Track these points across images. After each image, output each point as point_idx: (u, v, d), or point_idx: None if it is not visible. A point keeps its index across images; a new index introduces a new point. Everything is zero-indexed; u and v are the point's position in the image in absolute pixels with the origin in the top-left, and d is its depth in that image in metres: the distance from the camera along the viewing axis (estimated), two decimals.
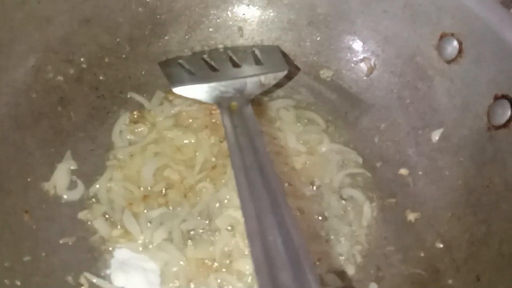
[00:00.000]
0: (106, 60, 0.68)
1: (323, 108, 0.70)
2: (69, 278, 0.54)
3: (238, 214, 0.59)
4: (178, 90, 0.62)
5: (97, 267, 0.56)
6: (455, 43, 0.58)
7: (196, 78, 0.63)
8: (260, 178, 0.45)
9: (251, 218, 0.41)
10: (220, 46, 0.73)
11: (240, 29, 0.73)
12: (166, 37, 0.71)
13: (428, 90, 0.62)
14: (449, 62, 0.60)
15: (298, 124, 0.68)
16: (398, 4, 0.63)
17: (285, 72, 0.65)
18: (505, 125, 0.52)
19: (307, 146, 0.66)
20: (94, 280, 0.55)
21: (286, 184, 0.62)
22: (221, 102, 0.59)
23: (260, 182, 0.45)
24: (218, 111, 0.67)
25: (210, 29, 0.73)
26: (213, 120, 0.67)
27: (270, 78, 0.63)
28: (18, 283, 0.50)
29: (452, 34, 0.59)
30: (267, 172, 0.46)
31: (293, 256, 0.37)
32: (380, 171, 0.64)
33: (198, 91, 0.61)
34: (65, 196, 0.59)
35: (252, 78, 0.62)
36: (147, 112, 0.68)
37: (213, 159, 0.64)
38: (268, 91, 0.69)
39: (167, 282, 0.55)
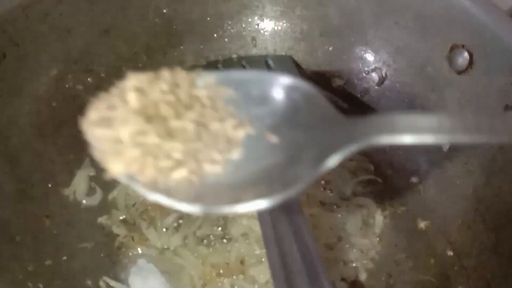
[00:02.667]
0: (124, 69, 0.70)
1: None
2: (89, 282, 0.56)
3: (251, 222, 0.60)
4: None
5: (115, 271, 0.58)
6: (466, 54, 0.60)
7: None
8: None
9: (267, 226, 0.42)
10: (234, 56, 0.74)
11: (253, 39, 0.75)
12: (181, 47, 0.73)
13: (439, 100, 0.63)
14: (459, 73, 0.61)
15: None
16: (409, 16, 0.64)
17: None
18: None
19: None
20: (113, 284, 0.56)
21: None
22: None
23: None
24: None
25: (225, 39, 0.74)
26: None
27: None
28: (41, 286, 0.51)
29: (463, 46, 0.60)
30: None
31: (309, 263, 0.38)
32: (391, 179, 0.65)
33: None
34: (84, 202, 0.61)
35: None
36: None
37: None
38: None
39: (183, 286, 0.57)
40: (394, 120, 0.32)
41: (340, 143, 0.34)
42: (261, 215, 0.44)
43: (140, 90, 0.35)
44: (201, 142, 0.34)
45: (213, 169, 0.35)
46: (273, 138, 0.37)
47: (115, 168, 0.33)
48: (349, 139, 0.33)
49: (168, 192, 0.32)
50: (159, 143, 0.33)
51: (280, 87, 0.39)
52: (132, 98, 0.34)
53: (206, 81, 0.38)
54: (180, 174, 0.33)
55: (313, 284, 0.37)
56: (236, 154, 0.36)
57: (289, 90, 0.39)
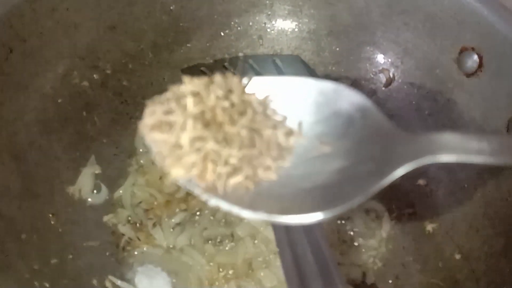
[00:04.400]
0: (130, 66, 0.69)
1: None
2: (95, 281, 0.55)
3: (257, 223, 0.60)
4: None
5: (121, 270, 0.57)
6: (475, 57, 0.59)
7: None
8: None
9: (279, 228, 0.42)
10: (240, 54, 0.74)
11: (260, 37, 0.74)
12: (188, 45, 0.73)
13: (447, 102, 0.63)
14: (468, 75, 0.61)
15: None
16: (418, 17, 0.64)
17: None
18: None
19: None
20: (119, 283, 0.56)
21: None
22: None
23: None
24: None
25: (231, 37, 0.74)
26: None
27: None
28: (47, 285, 0.51)
29: (473, 48, 0.59)
30: None
31: (323, 266, 0.38)
32: (398, 182, 0.64)
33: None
34: (90, 200, 0.61)
35: None
36: None
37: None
38: None
39: (189, 286, 0.56)
40: (455, 139, 0.34)
41: (400, 158, 0.34)
42: None
43: (196, 95, 0.34)
44: (255, 148, 0.34)
45: (267, 176, 0.35)
46: (326, 148, 0.37)
47: (176, 172, 0.33)
48: (410, 155, 0.34)
49: (225, 197, 0.33)
50: (217, 149, 0.33)
51: (333, 95, 0.39)
52: (191, 103, 0.34)
53: (257, 86, 0.38)
54: (237, 179, 0.33)
55: (327, 287, 0.37)
56: (288, 162, 0.36)
57: (342, 99, 0.39)
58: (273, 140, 0.36)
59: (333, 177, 0.36)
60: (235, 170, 0.33)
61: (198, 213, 0.62)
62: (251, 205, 0.33)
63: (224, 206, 0.33)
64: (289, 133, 0.37)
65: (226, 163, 0.33)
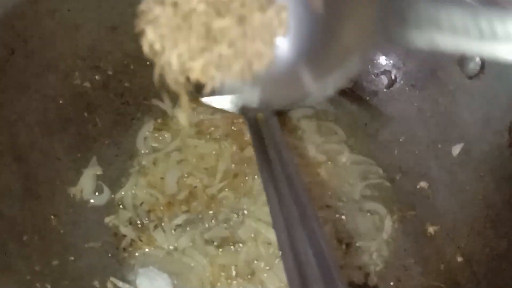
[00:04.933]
0: (131, 67, 0.69)
1: (343, 119, 0.71)
2: (96, 283, 0.55)
3: (259, 225, 0.60)
4: (206, 100, 0.63)
5: (122, 272, 0.57)
6: (477, 59, 0.59)
7: (222, 88, 0.64)
8: (288, 190, 0.46)
9: (281, 230, 0.42)
10: None
11: None
12: None
13: (449, 104, 0.63)
14: (470, 77, 0.60)
15: (319, 135, 0.69)
16: None
17: None
18: None
19: (327, 157, 0.67)
20: (120, 285, 0.56)
21: None
22: (247, 112, 0.60)
23: (288, 194, 0.46)
24: (240, 120, 0.68)
25: None
26: (235, 129, 0.68)
27: None
28: (48, 286, 0.51)
29: None
30: (295, 184, 0.46)
31: (325, 268, 0.38)
32: (399, 183, 0.65)
33: (225, 101, 0.62)
34: (92, 201, 0.61)
35: None
36: (170, 120, 0.69)
37: (234, 167, 0.65)
38: None
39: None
40: None
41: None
42: (276, 220, 0.44)
43: None
44: (246, 38, 0.33)
45: (262, 63, 0.35)
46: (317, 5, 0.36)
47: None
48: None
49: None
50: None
51: None
52: None
53: None
54: (234, 70, 0.34)
55: None
56: (284, 36, 0.36)
57: None
58: (264, 22, 0.35)
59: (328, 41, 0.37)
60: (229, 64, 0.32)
61: (200, 215, 0.61)
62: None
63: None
64: (280, 9, 0.36)
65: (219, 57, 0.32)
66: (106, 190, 0.62)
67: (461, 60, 0.61)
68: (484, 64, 0.59)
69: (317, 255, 0.39)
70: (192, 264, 0.57)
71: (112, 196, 0.62)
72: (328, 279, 0.37)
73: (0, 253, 0.49)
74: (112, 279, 0.56)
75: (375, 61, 0.70)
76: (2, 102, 0.55)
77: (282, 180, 0.48)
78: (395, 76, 0.69)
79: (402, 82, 0.69)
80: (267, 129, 0.55)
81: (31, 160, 0.58)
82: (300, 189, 0.46)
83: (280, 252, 0.41)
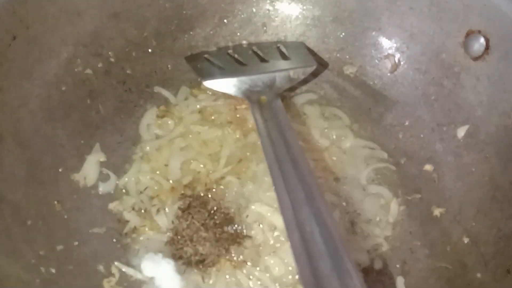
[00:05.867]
0: (133, 54, 0.69)
1: (347, 104, 0.71)
2: (101, 267, 0.55)
3: (263, 210, 0.60)
4: (208, 83, 0.63)
5: (126, 257, 0.57)
6: (482, 40, 0.59)
7: (225, 72, 0.64)
8: (293, 171, 0.46)
9: (287, 210, 0.42)
10: (244, 42, 0.73)
11: (264, 25, 0.74)
12: (191, 32, 0.72)
13: (454, 87, 0.63)
14: (475, 59, 0.60)
15: (322, 120, 0.69)
16: (424, 2, 0.63)
17: (314, 68, 0.66)
18: None
19: (331, 142, 0.67)
20: (125, 269, 0.56)
21: None
22: (250, 96, 0.60)
23: (293, 174, 0.46)
24: (242, 106, 0.68)
25: (235, 25, 0.73)
26: (238, 115, 0.68)
27: (299, 73, 0.64)
28: (53, 270, 0.51)
29: (479, 31, 0.59)
30: (300, 165, 0.46)
31: (331, 246, 0.38)
32: (404, 167, 0.64)
33: (228, 85, 0.62)
34: (100, 188, 0.61)
35: (281, 73, 0.63)
36: (173, 107, 0.69)
37: (238, 153, 0.65)
38: (292, 87, 0.70)
39: (195, 272, 0.56)
40: None
41: None
42: (281, 200, 0.43)
43: None
44: None
45: None
46: None
47: None
48: None
49: None
50: None
51: None
52: None
53: None
54: None
55: (336, 267, 0.36)
56: None
57: None
58: None
59: None
60: None
61: (203, 200, 0.61)
62: None
63: None
64: None
65: None
66: (113, 177, 0.62)
67: (466, 42, 0.61)
68: (488, 45, 0.58)
69: (324, 233, 0.39)
70: (196, 249, 0.57)
71: (117, 182, 0.62)
72: (335, 256, 0.37)
73: (5, 237, 0.49)
74: (116, 263, 0.56)
75: (378, 46, 0.70)
76: (4, 88, 0.55)
77: (287, 161, 0.47)
78: (399, 60, 0.69)
79: (406, 66, 0.68)
80: (271, 111, 0.55)
81: (35, 146, 0.57)
82: (305, 169, 0.46)
83: (287, 231, 0.41)
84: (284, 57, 0.67)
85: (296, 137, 0.50)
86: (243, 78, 0.62)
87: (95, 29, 0.65)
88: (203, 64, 0.66)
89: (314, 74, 0.72)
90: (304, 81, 0.71)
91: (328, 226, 0.39)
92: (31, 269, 0.49)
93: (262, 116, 0.54)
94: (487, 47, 0.58)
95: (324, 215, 0.41)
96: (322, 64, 0.72)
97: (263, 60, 0.67)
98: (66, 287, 0.50)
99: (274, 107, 0.55)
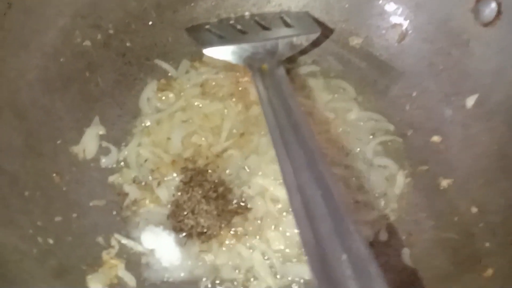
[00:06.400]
0: (133, 26, 0.68)
1: (352, 76, 0.69)
2: (100, 239, 0.54)
3: (266, 182, 0.58)
4: (208, 51, 0.61)
5: (126, 229, 0.56)
6: (493, 4, 0.57)
7: (226, 40, 0.63)
8: (295, 137, 0.45)
9: (288, 175, 0.41)
10: (247, 13, 0.72)
11: None
12: (192, 4, 0.71)
13: (462, 55, 0.61)
14: (486, 25, 0.58)
15: (327, 92, 0.67)
16: None
17: (318, 34, 0.64)
18: None
19: (336, 114, 0.65)
20: (124, 241, 0.55)
21: None
22: (251, 63, 0.58)
23: (295, 140, 0.44)
24: (244, 79, 0.67)
25: None
26: (240, 88, 0.67)
27: (302, 39, 0.62)
28: (51, 241, 0.50)
29: None
30: (302, 131, 0.45)
31: (333, 209, 0.37)
32: (411, 139, 0.63)
33: (229, 52, 0.60)
34: (103, 161, 0.60)
35: (283, 40, 0.61)
36: (173, 80, 0.68)
37: (240, 126, 0.64)
38: (294, 59, 0.68)
39: (197, 244, 0.55)
40: None
41: None
42: (283, 165, 0.42)
43: None
44: None
45: None
46: None
47: None
48: None
49: None
50: None
51: None
52: None
53: None
54: None
55: (338, 228, 0.35)
56: None
57: None
58: None
59: None
60: None
61: (205, 173, 0.60)
62: None
63: None
64: None
65: None
66: (114, 150, 0.61)
67: (476, 7, 0.59)
68: (500, 9, 0.56)
69: (325, 196, 0.38)
70: (198, 221, 0.56)
71: (117, 155, 0.61)
72: (336, 217, 0.36)
73: (2, 207, 0.49)
74: (116, 235, 0.55)
75: (384, 15, 0.68)
76: (1, 58, 0.54)
77: (288, 127, 0.46)
78: (406, 30, 0.66)
79: (412, 35, 0.66)
80: (273, 79, 0.54)
81: (33, 117, 0.57)
82: (307, 135, 0.45)
83: (288, 195, 0.39)
84: (287, 25, 0.66)
85: (298, 104, 0.49)
86: (244, 45, 0.60)
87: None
88: (204, 34, 0.64)
89: (319, 46, 0.70)
90: (309, 53, 0.70)
91: (330, 189, 0.38)
92: (28, 240, 0.48)
93: (263, 84, 0.53)
94: (498, 12, 0.56)
95: (326, 179, 0.39)
96: (326, 36, 0.70)
97: (265, 28, 0.65)
98: (64, 257, 0.49)
99: (276, 74, 0.54)
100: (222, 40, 0.63)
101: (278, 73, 0.54)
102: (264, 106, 0.50)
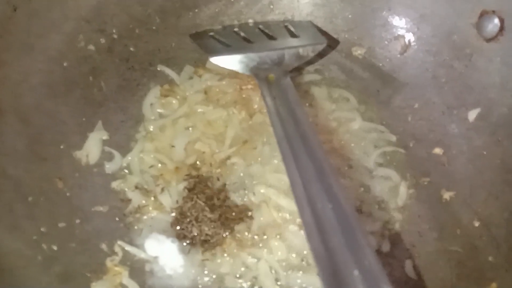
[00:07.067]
0: (137, 31, 0.67)
1: (354, 86, 0.69)
2: (104, 246, 0.54)
3: (269, 191, 0.59)
4: (215, 60, 0.61)
5: (130, 236, 0.56)
6: (496, 20, 0.57)
7: (232, 48, 0.63)
8: (303, 148, 0.45)
9: (298, 187, 0.41)
10: (250, 20, 0.72)
11: (271, 3, 0.72)
12: (196, 10, 0.70)
13: (465, 69, 0.61)
14: (488, 40, 0.59)
15: (330, 102, 0.67)
16: None
17: (324, 45, 0.64)
18: None
19: (339, 124, 0.65)
20: (127, 248, 0.55)
21: None
22: (258, 73, 0.58)
23: (303, 151, 0.44)
24: (248, 86, 0.67)
25: (241, 3, 0.71)
26: (243, 96, 0.67)
27: (308, 50, 0.62)
28: (55, 248, 0.50)
29: (494, 12, 0.57)
30: (310, 142, 0.45)
31: (344, 222, 0.37)
32: (413, 150, 0.63)
33: (235, 62, 0.60)
34: (107, 166, 0.60)
35: (290, 50, 0.61)
36: (176, 86, 0.68)
37: (243, 133, 0.64)
38: (298, 68, 0.69)
39: (200, 251, 0.55)
40: None
41: None
42: (292, 177, 0.42)
43: None
44: None
45: None
46: None
47: None
48: None
49: None
50: None
51: None
52: None
53: None
54: None
55: (349, 242, 0.35)
56: None
57: None
58: None
59: None
60: None
61: (208, 180, 0.60)
62: None
63: None
64: None
65: None
66: (118, 156, 0.60)
67: (479, 23, 0.59)
68: (503, 25, 0.57)
69: (335, 209, 0.38)
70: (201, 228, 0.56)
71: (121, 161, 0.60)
72: (346, 230, 0.36)
73: (7, 212, 0.48)
74: (119, 242, 0.54)
75: (388, 26, 0.68)
76: (5, 61, 0.54)
77: (296, 138, 0.46)
78: (409, 41, 0.67)
79: (416, 47, 0.67)
80: (280, 89, 0.54)
81: (36, 121, 0.56)
82: (315, 146, 0.45)
83: (298, 209, 0.39)
84: (293, 35, 0.66)
85: (306, 114, 0.49)
86: (251, 55, 0.60)
87: (98, 4, 0.63)
88: (208, 41, 0.64)
89: (322, 56, 0.70)
90: (312, 63, 0.70)
91: (340, 202, 0.38)
92: (33, 246, 0.48)
93: (270, 94, 0.53)
94: (501, 28, 0.57)
95: (335, 191, 0.39)
96: (330, 45, 0.71)
97: (270, 37, 0.65)
98: (68, 264, 0.49)
99: (282, 84, 0.54)
100: (228, 48, 0.63)
101: (285, 83, 0.54)
102: (272, 116, 0.50)
